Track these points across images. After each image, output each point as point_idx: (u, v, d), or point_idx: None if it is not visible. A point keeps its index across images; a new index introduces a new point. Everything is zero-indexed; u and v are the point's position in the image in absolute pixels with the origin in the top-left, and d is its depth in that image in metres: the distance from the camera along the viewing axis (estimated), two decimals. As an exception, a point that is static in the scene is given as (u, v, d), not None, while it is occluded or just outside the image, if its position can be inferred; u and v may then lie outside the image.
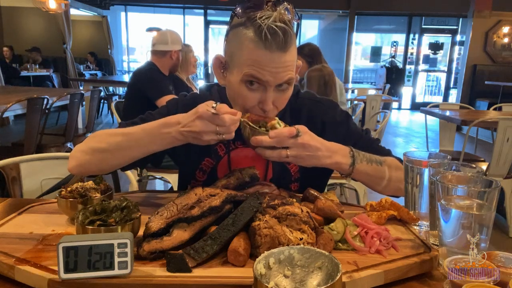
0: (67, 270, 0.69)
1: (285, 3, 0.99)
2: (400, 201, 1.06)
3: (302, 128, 0.98)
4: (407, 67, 12.62)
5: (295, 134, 0.95)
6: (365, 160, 1.09)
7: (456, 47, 12.11)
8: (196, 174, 1.24)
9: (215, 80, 1.19)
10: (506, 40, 8.68)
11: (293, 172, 1.23)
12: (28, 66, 9.48)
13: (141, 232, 0.84)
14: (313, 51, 3.45)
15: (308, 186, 1.09)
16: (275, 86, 1.02)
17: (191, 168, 1.24)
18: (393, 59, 12.42)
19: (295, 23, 1.03)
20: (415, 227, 1.00)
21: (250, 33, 0.98)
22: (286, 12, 0.98)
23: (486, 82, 8.37)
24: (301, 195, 1.08)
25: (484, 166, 3.26)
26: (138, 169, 2.78)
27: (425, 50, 12.61)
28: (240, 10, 1.00)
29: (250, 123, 0.98)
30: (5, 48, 9.61)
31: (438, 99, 12.58)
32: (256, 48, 0.97)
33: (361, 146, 1.16)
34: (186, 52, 3.32)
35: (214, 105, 0.92)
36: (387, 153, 1.25)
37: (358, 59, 13.73)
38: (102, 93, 8.36)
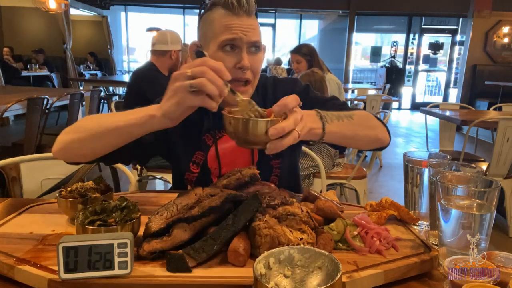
0: (67, 270, 0.69)
1: None
2: (400, 201, 1.06)
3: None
4: (407, 67, 12.62)
5: (300, 102, 0.85)
6: (335, 118, 1.00)
7: (456, 47, 12.10)
8: (190, 166, 1.26)
9: None
10: (506, 40, 8.68)
11: None
12: (28, 66, 9.49)
13: (141, 232, 0.84)
14: (311, 50, 3.70)
15: (287, 161, 1.25)
16: (247, 47, 1.11)
17: (184, 162, 1.26)
18: (393, 59, 12.42)
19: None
20: (415, 227, 1.00)
21: (218, 9, 1.11)
22: None
23: (486, 82, 8.36)
24: (301, 195, 1.09)
25: (484, 166, 3.26)
26: (138, 169, 2.78)
27: (425, 50, 12.60)
28: (206, 1, 1.15)
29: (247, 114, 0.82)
30: (5, 49, 9.62)
31: (438, 99, 12.57)
32: (225, 16, 1.10)
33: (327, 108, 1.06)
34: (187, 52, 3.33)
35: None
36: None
37: (358, 59, 13.72)
38: (102, 93, 8.36)
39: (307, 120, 0.89)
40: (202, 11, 1.17)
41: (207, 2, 1.15)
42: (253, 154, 1.25)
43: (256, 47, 1.14)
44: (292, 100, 0.82)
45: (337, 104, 1.23)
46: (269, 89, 1.30)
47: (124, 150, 1.05)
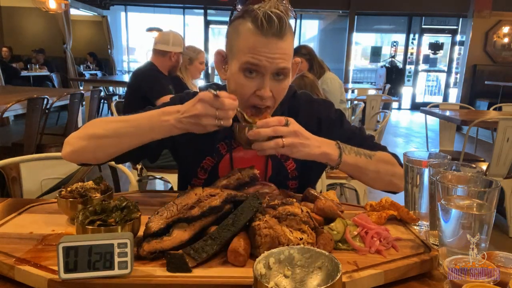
0: (67, 270, 0.69)
1: None
2: (400, 201, 1.06)
3: (290, 119, 1.01)
4: (407, 67, 12.61)
5: (284, 123, 0.98)
6: (353, 152, 1.10)
7: (456, 47, 12.10)
8: (198, 172, 1.25)
9: (216, 80, 1.21)
10: (506, 40, 8.68)
11: (290, 170, 1.25)
12: (28, 66, 9.48)
13: (141, 232, 0.84)
14: (309, 50, 3.68)
15: (305, 184, 1.16)
16: (272, 74, 1.05)
17: (192, 166, 1.25)
18: (393, 59, 12.41)
19: (293, 18, 1.07)
20: (415, 227, 1.00)
21: (247, 22, 1.02)
22: (283, 2, 1.04)
23: (486, 82, 8.37)
24: (301, 195, 1.09)
25: (484, 166, 3.26)
26: (138, 169, 2.78)
27: (425, 50, 12.60)
28: (239, 4, 1.06)
29: (246, 116, 1.00)
30: (4, 49, 9.62)
31: (438, 99, 12.57)
32: (253, 35, 1.01)
33: (355, 142, 1.17)
34: (196, 58, 3.38)
35: (215, 92, 0.94)
36: (382, 149, 1.26)
37: (358, 59, 13.72)
38: (102, 93, 8.36)
39: (323, 146, 1.04)
40: (233, 15, 1.10)
41: (239, 8, 1.06)
42: (267, 167, 1.23)
43: (282, 74, 1.06)
44: (268, 131, 0.96)
45: (369, 140, 1.26)
46: (302, 108, 1.26)
47: (134, 152, 1.08)
